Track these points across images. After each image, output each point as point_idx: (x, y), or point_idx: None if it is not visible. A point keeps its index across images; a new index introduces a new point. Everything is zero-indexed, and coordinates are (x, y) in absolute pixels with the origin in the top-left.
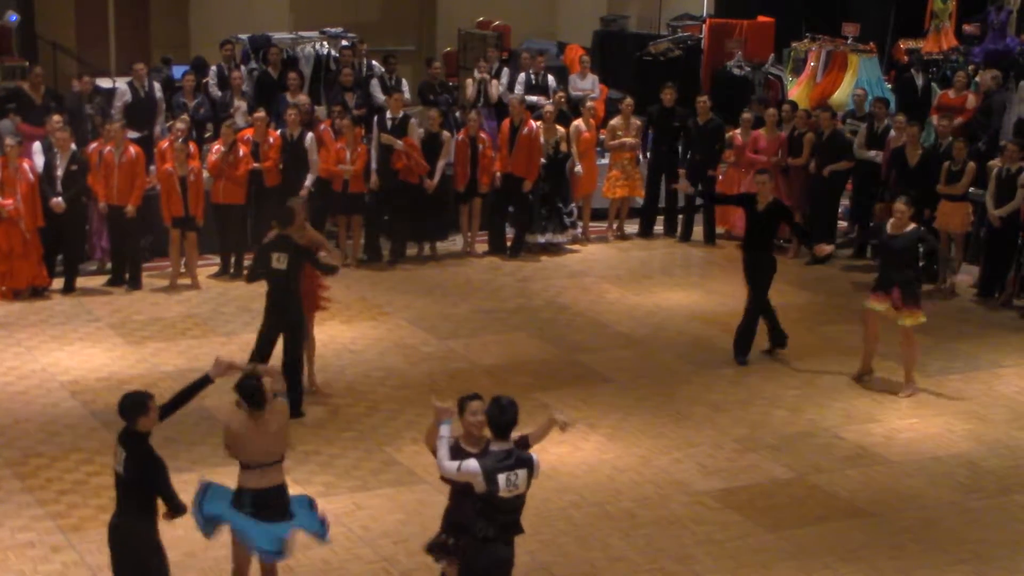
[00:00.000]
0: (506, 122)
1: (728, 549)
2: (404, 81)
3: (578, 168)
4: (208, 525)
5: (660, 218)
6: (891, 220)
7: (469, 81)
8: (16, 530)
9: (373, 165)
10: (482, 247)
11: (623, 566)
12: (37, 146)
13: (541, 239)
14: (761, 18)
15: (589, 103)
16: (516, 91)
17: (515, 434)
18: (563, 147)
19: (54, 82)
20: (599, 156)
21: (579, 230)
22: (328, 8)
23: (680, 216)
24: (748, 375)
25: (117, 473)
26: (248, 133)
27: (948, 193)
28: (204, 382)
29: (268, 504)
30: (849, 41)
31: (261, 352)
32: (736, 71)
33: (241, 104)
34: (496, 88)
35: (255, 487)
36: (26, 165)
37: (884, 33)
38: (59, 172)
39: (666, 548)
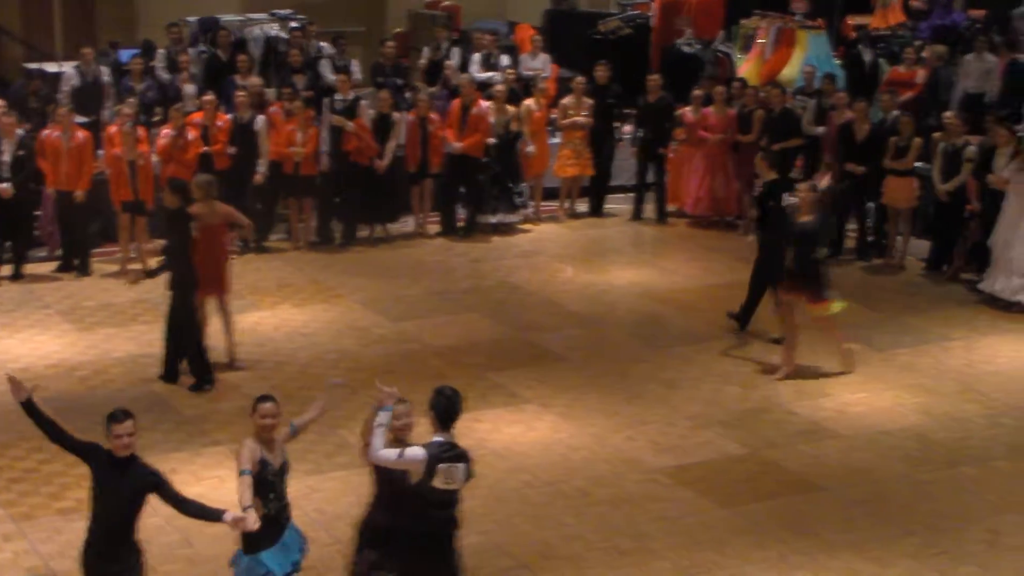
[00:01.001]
0: (456, 102)
1: (682, 526)
2: (355, 62)
3: (530, 148)
4: None
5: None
6: (797, 203)
7: (422, 62)
8: None
9: (323, 147)
10: (434, 228)
11: (577, 544)
12: None
13: (492, 219)
14: None
15: (540, 83)
16: (472, 71)
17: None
18: (514, 126)
19: None
20: (551, 135)
21: (530, 209)
22: None
23: (633, 194)
24: (701, 353)
25: None
26: (197, 116)
27: (895, 168)
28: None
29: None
30: (798, 18)
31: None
32: (686, 49)
33: (189, 87)
34: (452, 71)
35: None
36: None
37: (832, 9)
38: (6, 158)
39: (620, 526)
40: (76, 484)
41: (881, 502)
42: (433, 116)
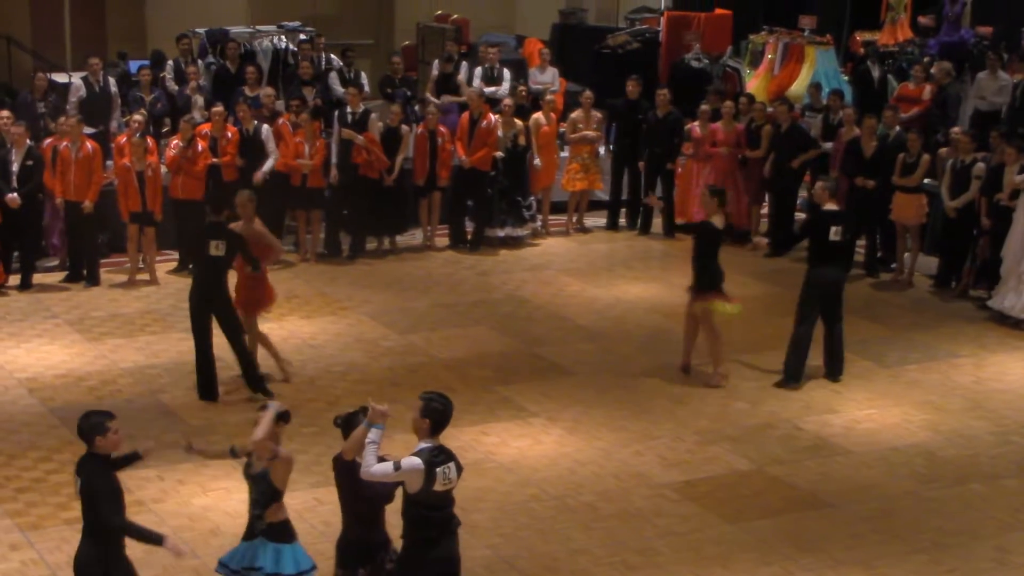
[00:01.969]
0: (465, 115)
1: (689, 541)
2: (363, 75)
3: (537, 161)
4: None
5: (622, 211)
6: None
7: (434, 73)
8: None
9: (333, 159)
10: (442, 241)
11: (585, 559)
12: None
13: (500, 233)
14: (719, 11)
15: (549, 96)
16: (474, 84)
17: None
18: (521, 140)
19: (8, 77)
20: (559, 149)
21: (539, 223)
22: (285, 2)
23: (640, 209)
24: (708, 367)
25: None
26: (206, 128)
27: (903, 185)
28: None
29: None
30: (806, 33)
31: (203, 342)
32: (694, 63)
33: (197, 99)
34: (464, 85)
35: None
36: None
37: (841, 25)
38: (14, 168)
39: (627, 541)
40: None
41: (889, 519)
42: (442, 129)
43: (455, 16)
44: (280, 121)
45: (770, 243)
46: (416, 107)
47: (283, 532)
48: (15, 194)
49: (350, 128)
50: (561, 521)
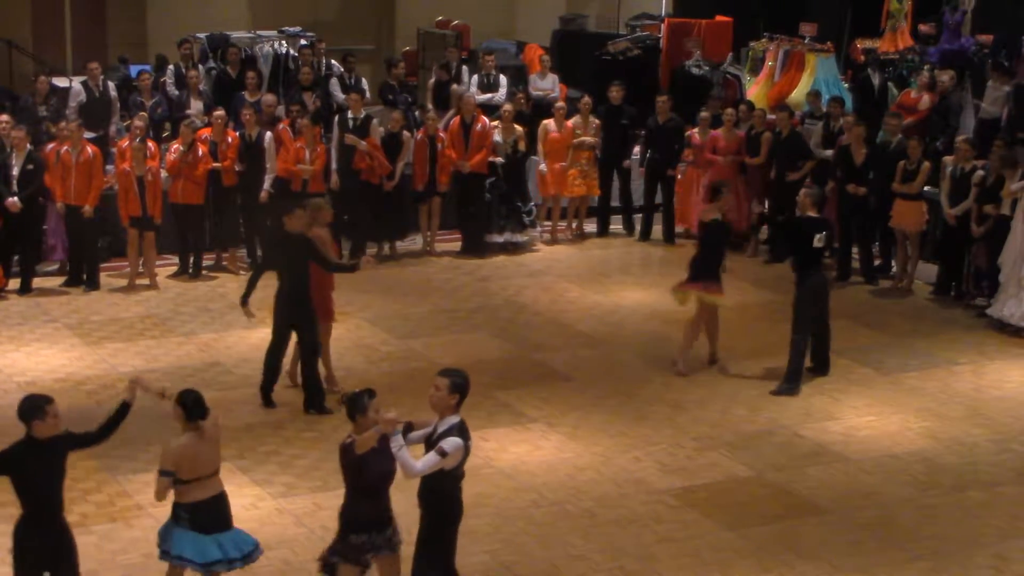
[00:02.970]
0: (455, 120)
1: (688, 548)
2: (364, 80)
3: (542, 166)
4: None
5: (616, 217)
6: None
7: (431, 81)
8: None
9: (333, 165)
10: (442, 246)
11: (583, 565)
12: None
13: (499, 238)
14: (719, 17)
15: (560, 104)
16: (470, 90)
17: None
18: (522, 146)
19: (9, 81)
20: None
21: (538, 230)
22: (286, 7)
23: (639, 215)
24: (707, 374)
25: None
26: (206, 132)
27: (903, 192)
28: (125, 409)
29: (210, 514)
30: (806, 41)
31: (277, 348)
32: (695, 70)
33: (197, 104)
34: (455, 95)
35: (195, 500)
36: None
37: (841, 33)
38: (15, 172)
39: (626, 547)
40: (81, 498)
41: (888, 526)
42: (442, 135)
43: (456, 22)
44: (280, 126)
45: (770, 249)
46: (416, 113)
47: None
48: (15, 198)
49: (351, 134)
50: (560, 527)
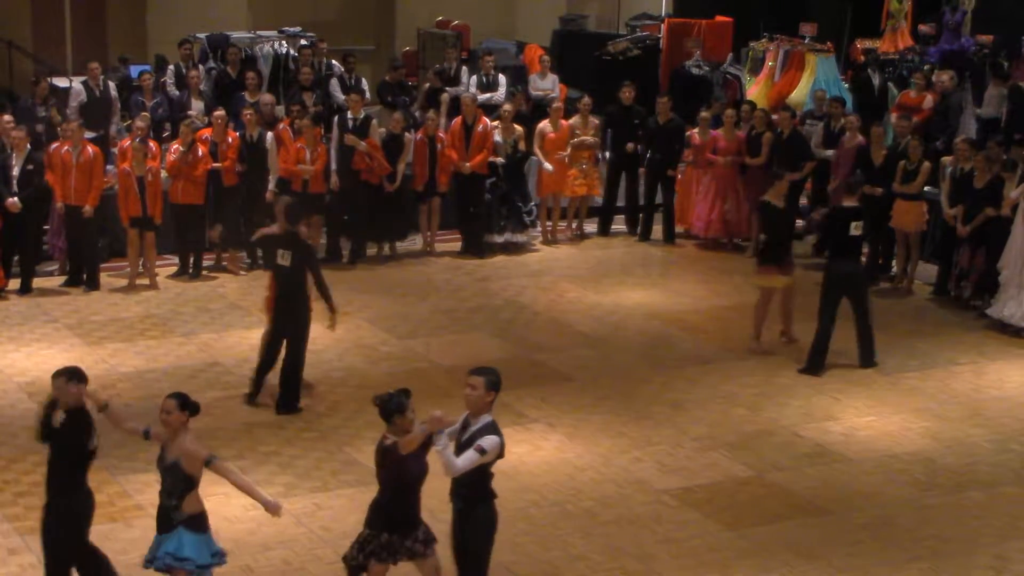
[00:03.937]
0: (457, 121)
1: (688, 548)
2: (364, 80)
3: (547, 165)
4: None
5: (619, 217)
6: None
7: (426, 86)
8: None
9: (332, 165)
10: (442, 246)
11: (583, 565)
12: None
13: (499, 239)
14: (719, 18)
15: (556, 104)
16: (470, 91)
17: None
18: (522, 146)
19: (9, 81)
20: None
21: (537, 230)
22: (286, 7)
23: (640, 215)
24: (707, 374)
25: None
26: (207, 133)
27: (903, 192)
28: None
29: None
30: (807, 41)
31: (268, 354)
32: (695, 70)
33: (198, 104)
34: (445, 101)
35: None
36: None
37: (841, 33)
38: (15, 172)
39: (626, 547)
40: None
41: (887, 527)
42: (442, 135)
43: (456, 22)
44: (280, 127)
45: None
46: (416, 113)
47: (200, 523)
48: (15, 199)
49: (351, 134)
50: (560, 527)
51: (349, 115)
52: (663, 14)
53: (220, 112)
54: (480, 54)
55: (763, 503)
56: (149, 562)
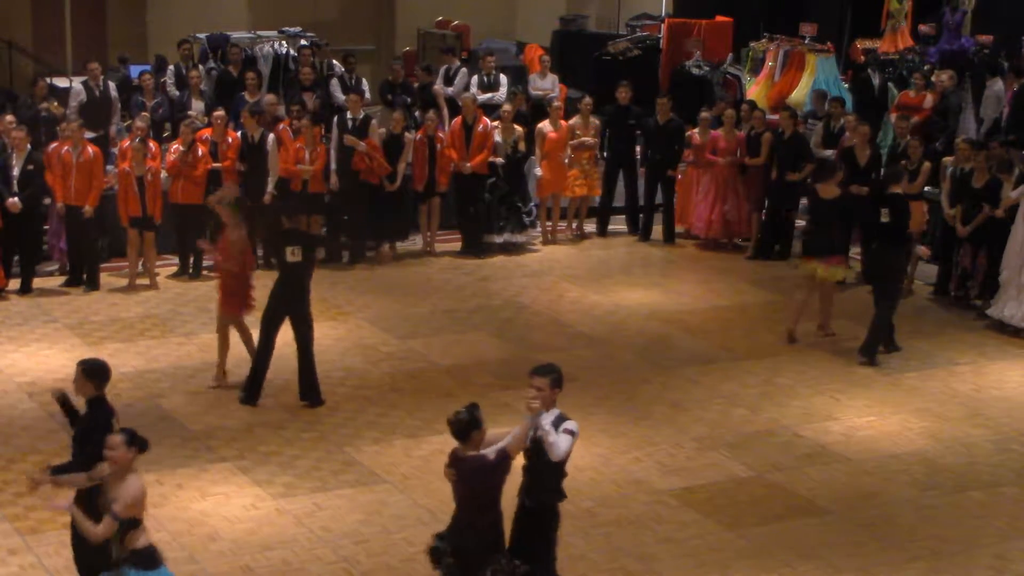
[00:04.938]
0: (457, 120)
1: (688, 548)
2: (364, 80)
3: (537, 170)
4: None
5: (619, 217)
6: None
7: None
8: None
9: (332, 165)
10: (442, 246)
11: (583, 565)
12: None
13: (498, 239)
14: (719, 18)
15: (556, 104)
16: (471, 91)
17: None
18: (522, 146)
19: (9, 81)
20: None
21: (538, 230)
22: (286, 7)
23: (640, 215)
24: (708, 374)
25: None
26: (207, 133)
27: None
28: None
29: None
30: (806, 41)
31: (267, 339)
32: (695, 70)
33: (198, 104)
34: (440, 95)
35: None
36: None
37: (841, 33)
38: (15, 172)
39: (626, 547)
40: None
41: (888, 527)
42: (441, 135)
43: (456, 22)
44: (280, 127)
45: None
46: (416, 113)
47: (149, 559)
48: (15, 199)
49: (350, 134)
50: (560, 527)
51: (348, 115)
52: (663, 14)
53: (220, 112)
54: (480, 54)
55: (763, 503)
56: None
